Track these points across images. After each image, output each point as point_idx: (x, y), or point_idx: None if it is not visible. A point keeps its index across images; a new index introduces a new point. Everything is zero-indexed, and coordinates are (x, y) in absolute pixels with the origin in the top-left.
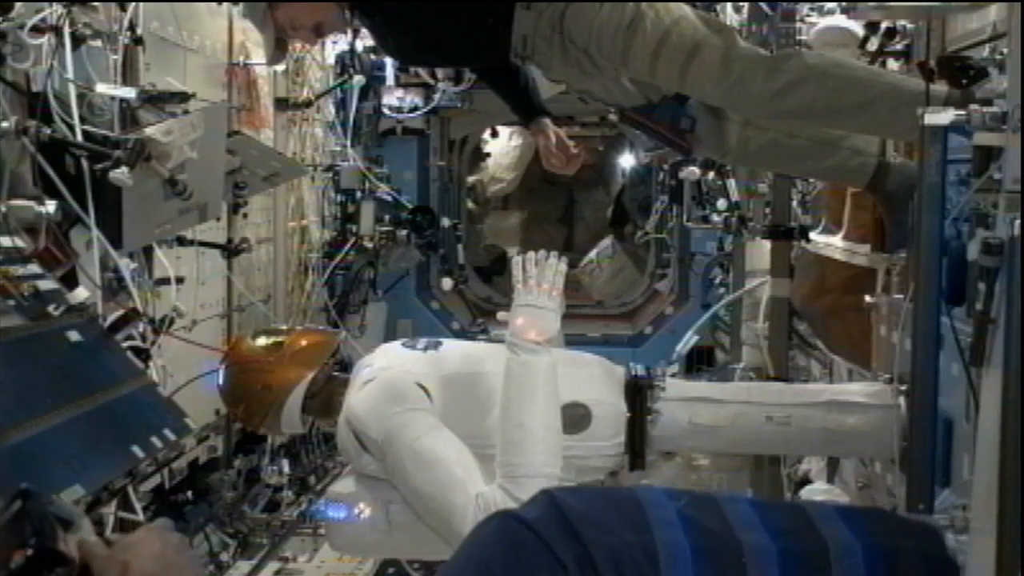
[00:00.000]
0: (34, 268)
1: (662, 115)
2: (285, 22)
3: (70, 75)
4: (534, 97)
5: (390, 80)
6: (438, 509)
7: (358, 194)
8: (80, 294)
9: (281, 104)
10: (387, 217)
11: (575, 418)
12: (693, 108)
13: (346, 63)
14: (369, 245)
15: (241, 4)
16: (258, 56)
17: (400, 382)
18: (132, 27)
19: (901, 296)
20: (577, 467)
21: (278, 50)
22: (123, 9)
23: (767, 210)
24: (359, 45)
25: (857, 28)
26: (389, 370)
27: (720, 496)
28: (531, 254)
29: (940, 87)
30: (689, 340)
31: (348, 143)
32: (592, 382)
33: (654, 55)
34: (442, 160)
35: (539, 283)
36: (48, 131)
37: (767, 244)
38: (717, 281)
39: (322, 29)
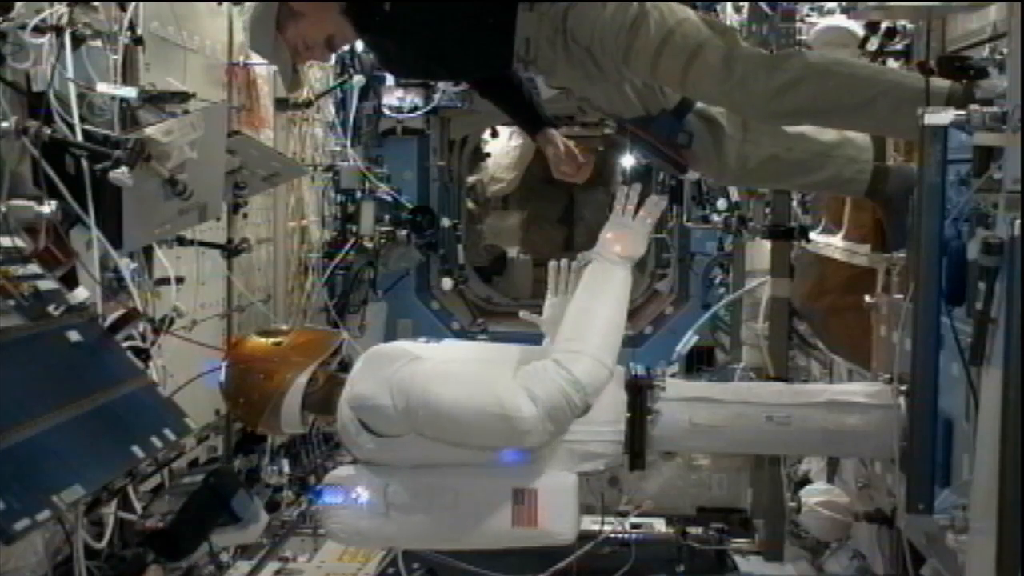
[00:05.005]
0: (34, 268)
1: (659, 128)
2: (297, 42)
3: (70, 75)
4: (539, 109)
5: (390, 80)
6: (487, 409)
7: (358, 194)
8: (80, 294)
9: (281, 104)
10: (387, 217)
11: None
12: (691, 124)
13: (346, 63)
14: (369, 245)
15: (247, 40)
16: (258, 56)
17: (390, 348)
18: (132, 27)
19: (901, 296)
20: (579, 453)
21: (295, 73)
22: (123, 9)
23: (767, 210)
24: (359, 45)
25: (857, 28)
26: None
27: None
28: (636, 185)
29: (942, 83)
30: (689, 340)
31: (348, 143)
32: None
33: (656, 54)
34: (442, 160)
35: (635, 208)
36: (48, 131)
37: (767, 244)
38: (717, 281)
39: (334, 42)
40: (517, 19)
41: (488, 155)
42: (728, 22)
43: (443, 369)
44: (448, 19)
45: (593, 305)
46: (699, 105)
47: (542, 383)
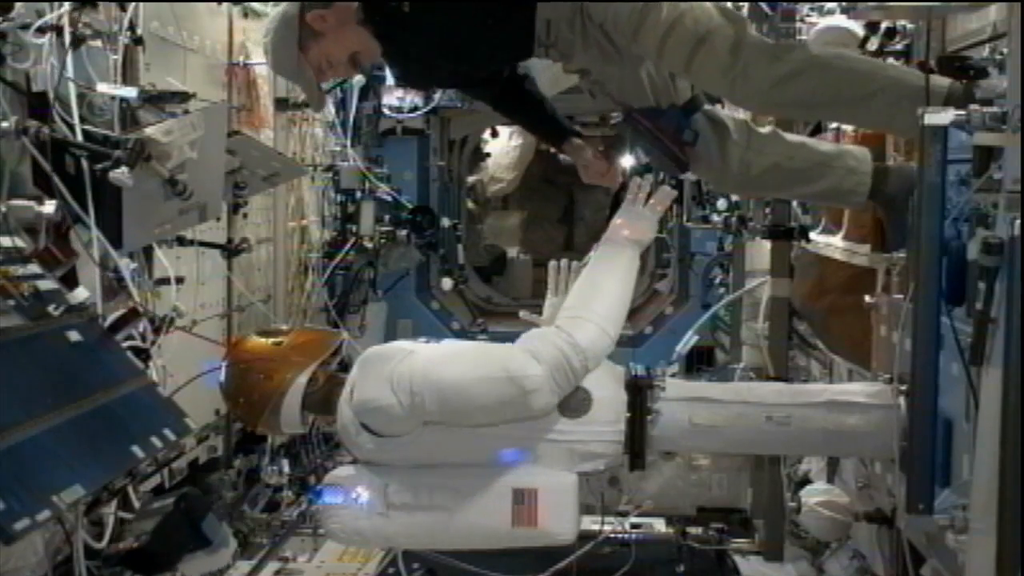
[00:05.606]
0: (34, 268)
1: (667, 122)
2: (321, 60)
3: (70, 75)
4: (561, 120)
5: (390, 80)
6: (493, 376)
7: (358, 194)
8: (80, 294)
9: (281, 104)
10: (387, 217)
11: (576, 401)
12: (698, 123)
13: None
14: (369, 245)
15: (269, 62)
16: (258, 56)
17: (386, 347)
18: (132, 27)
19: (901, 296)
20: (580, 453)
21: (320, 91)
22: (123, 9)
23: (767, 210)
24: None
25: (857, 28)
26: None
27: None
28: (649, 176)
29: (942, 81)
30: (689, 340)
31: (348, 143)
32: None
33: (665, 35)
34: (442, 160)
35: (646, 196)
36: (48, 131)
37: (767, 244)
38: (717, 281)
39: (358, 58)
40: (538, 2)
41: (488, 155)
42: None
43: (442, 352)
44: (469, 10)
45: (599, 279)
46: (708, 106)
47: (543, 344)
